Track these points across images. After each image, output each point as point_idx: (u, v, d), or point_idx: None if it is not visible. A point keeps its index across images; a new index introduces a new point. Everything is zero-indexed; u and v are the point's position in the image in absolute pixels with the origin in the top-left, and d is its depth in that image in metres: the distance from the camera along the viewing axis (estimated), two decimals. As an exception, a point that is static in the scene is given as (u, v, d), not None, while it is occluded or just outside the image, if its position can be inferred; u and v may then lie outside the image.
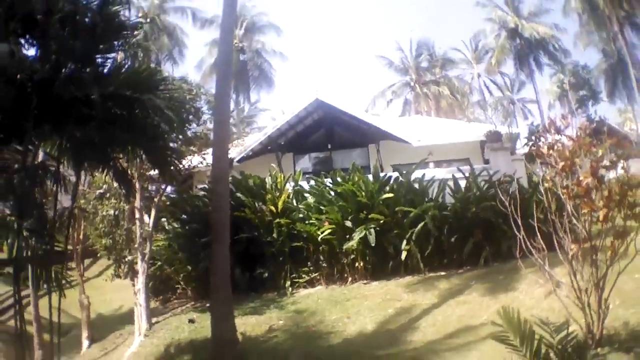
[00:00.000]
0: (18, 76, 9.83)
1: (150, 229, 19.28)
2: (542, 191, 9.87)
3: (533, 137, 25.99)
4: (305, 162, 31.57)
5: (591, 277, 8.85)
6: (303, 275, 19.34)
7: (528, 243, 9.31)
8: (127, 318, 22.15)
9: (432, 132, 30.07)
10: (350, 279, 18.97)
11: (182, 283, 21.20)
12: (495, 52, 53.17)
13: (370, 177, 19.85)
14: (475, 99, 68.74)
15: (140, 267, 18.93)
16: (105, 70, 11.37)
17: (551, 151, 9.23)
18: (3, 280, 25.13)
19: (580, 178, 8.60)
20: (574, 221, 8.98)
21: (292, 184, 21.07)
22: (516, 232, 9.54)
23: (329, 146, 30.47)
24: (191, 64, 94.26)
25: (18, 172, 11.27)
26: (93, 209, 20.87)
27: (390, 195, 18.62)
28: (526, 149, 30.35)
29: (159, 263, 21.17)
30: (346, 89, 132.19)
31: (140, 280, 18.75)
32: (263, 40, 57.03)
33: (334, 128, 30.10)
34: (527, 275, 15.40)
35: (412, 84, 64.56)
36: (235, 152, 25.38)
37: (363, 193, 18.80)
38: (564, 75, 61.63)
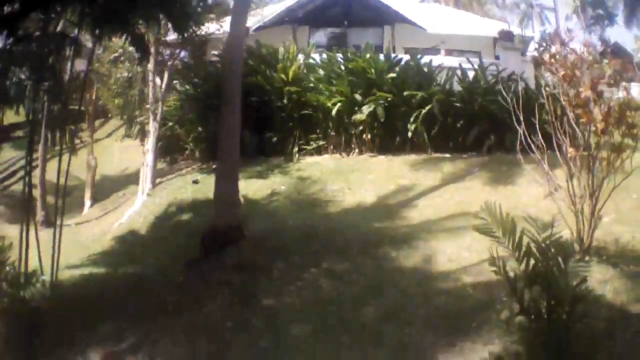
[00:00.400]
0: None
1: (162, 90, 19.53)
2: (544, 95, 10.08)
3: (543, 44, 25.95)
4: (320, 37, 31.64)
5: (587, 185, 9.18)
6: (311, 143, 19.78)
7: (529, 139, 9.69)
8: (132, 179, 22.77)
9: (447, 22, 30.06)
10: (357, 150, 19.47)
11: (191, 144, 21.60)
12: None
13: (382, 56, 20.05)
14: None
15: (152, 126, 19.27)
16: None
17: (553, 60, 9.39)
18: (12, 145, 25.81)
19: (580, 89, 8.79)
20: (574, 126, 9.29)
21: (304, 57, 21.23)
22: (517, 127, 10.02)
23: (345, 22, 30.47)
24: None
25: (39, 40, 11.35)
26: (107, 72, 21.03)
27: (397, 75, 18.98)
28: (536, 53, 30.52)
29: (170, 123, 21.58)
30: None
31: (150, 141, 19.12)
32: None
33: (352, 5, 30.02)
34: (528, 171, 15.95)
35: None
36: (252, 21, 25.40)
37: (373, 70, 19.09)
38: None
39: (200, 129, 20.65)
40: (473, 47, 29.18)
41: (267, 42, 22.02)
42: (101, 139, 28.98)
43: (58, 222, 11.14)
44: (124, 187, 23.39)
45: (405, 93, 18.71)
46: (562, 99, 9.36)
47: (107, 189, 24.05)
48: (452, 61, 21.88)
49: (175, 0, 11.76)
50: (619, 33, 59.27)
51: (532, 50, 36.07)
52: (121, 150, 26.68)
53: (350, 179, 17.08)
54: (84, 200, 23.16)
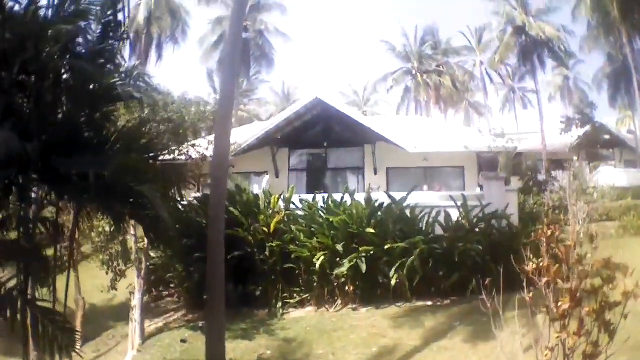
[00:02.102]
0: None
1: (145, 246, 19.54)
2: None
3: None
4: (301, 157, 31.97)
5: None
6: (294, 295, 19.79)
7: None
8: (120, 313, 22.54)
9: (429, 137, 30.36)
10: (340, 301, 19.47)
11: (177, 287, 21.93)
12: (500, 49, 53.06)
13: (363, 201, 20.13)
14: (476, 85, 68.88)
15: (137, 283, 19.34)
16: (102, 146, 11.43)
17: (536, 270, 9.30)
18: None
19: (559, 303, 8.70)
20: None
21: (284, 202, 21.23)
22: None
23: (325, 144, 30.84)
24: (193, 39, 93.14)
25: (19, 226, 11.42)
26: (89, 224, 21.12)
27: (374, 231, 19.02)
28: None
29: (157, 263, 21.76)
30: (348, 72, 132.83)
31: (137, 297, 19.18)
32: (266, 20, 56.45)
33: (331, 127, 30.49)
34: (510, 321, 15.90)
35: (413, 72, 64.72)
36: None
37: (354, 224, 19.24)
38: (567, 70, 62.01)
39: (184, 279, 20.63)
40: (456, 162, 29.56)
41: (247, 164, 22.13)
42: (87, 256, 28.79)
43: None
44: (113, 323, 23.14)
45: (386, 247, 18.71)
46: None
47: (95, 323, 23.79)
48: (435, 198, 21.96)
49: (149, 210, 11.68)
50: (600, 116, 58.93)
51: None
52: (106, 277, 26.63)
53: (333, 340, 17.04)
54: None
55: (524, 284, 8.97)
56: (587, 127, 47.90)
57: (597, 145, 43.02)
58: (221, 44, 55.32)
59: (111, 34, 12.31)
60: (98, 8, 11.96)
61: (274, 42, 57.98)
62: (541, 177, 34.32)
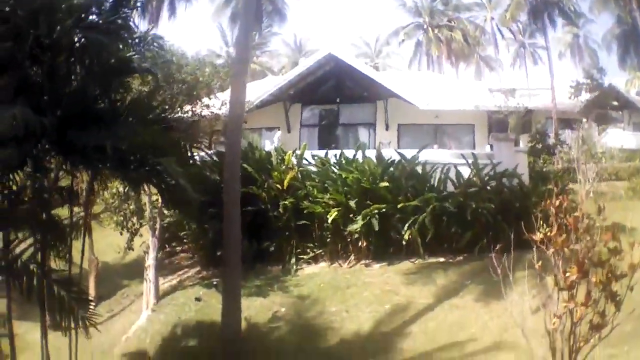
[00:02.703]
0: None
1: (159, 205, 19.61)
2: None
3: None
4: (313, 114, 31.95)
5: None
6: (308, 251, 20.04)
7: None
8: (133, 271, 22.67)
9: (440, 94, 30.22)
10: (353, 257, 19.71)
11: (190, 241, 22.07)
12: (510, 7, 52.60)
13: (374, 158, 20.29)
14: (487, 40, 68.36)
15: (151, 242, 19.41)
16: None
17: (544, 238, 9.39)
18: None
19: (567, 273, 8.80)
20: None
21: (296, 158, 21.23)
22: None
23: (338, 99, 30.74)
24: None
25: (34, 196, 11.48)
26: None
27: (390, 184, 19.18)
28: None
29: (170, 220, 21.68)
30: (360, 25, 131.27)
31: (151, 257, 19.23)
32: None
33: (343, 82, 30.27)
34: (519, 281, 16.17)
35: (425, 26, 64.27)
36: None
37: (366, 180, 19.35)
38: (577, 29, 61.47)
39: (199, 236, 20.82)
40: (466, 120, 29.55)
41: (259, 121, 22.14)
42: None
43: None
44: (126, 281, 23.22)
45: (399, 205, 18.91)
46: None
47: (108, 281, 23.90)
48: (446, 156, 22.04)
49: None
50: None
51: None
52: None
53: (347, 297, 17.41)
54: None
55: (534, 250, 9.05)
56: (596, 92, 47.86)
57: (607, 107, 42.84)
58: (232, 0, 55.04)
59: (124, 2, 12.24)
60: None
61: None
62: (550, 140, 34.28)
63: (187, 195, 11.75)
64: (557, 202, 9.42)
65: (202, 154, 22.30)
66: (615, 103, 50.44)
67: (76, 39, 11.53)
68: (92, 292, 22.00)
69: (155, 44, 13.10)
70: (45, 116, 10.15)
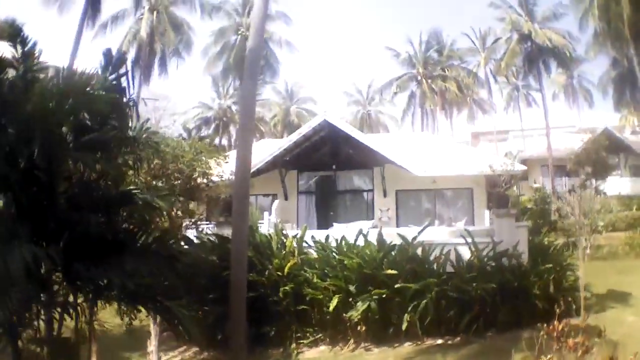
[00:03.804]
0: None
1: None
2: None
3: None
4: (310, 180, 32.06)
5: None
6: (308, 335, 19.97)
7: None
8: (135, 338, 22.53)
9: (437, 159, 30.41)
10: (352, 340, 19.68)
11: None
12: (506, 56, 53.36)
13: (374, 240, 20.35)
14: (480, 83, 68.89)
15: (153, 330, 19.36)
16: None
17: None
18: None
19: None
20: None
21: (296, 241, 21.16)
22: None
23: (334, 166, 30.88)
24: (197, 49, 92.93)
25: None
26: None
27: (394, 272, 19.18)
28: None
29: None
30: (352, 75, 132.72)
31: (153, 344, 19.18)
32: (271, 30, 56.47)
33: (339, 148, 30.46)
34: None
35: (418, 77, 64.81)
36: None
37: (367, 267, 19.50)
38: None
39: (199, 321, 20.72)
40: (464, 184, 29.71)
41: (255, 188, 22.18)
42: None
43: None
44: (127, 354, 22.96)
45: (399, 288, 19.10)
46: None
47: (109, 353, 23.76)
48: (445, 234, 22.18)
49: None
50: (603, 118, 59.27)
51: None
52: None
53: (346, 390, 17.26)
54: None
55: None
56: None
57: (602, 154, 43.00)
58: (224, 54, 55.73)
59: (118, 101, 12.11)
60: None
61: (278, 53, 58.40)
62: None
63: (191, 329, 11.69)
64: (560, 327, 9.69)
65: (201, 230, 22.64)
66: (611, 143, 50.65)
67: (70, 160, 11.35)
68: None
69: (149, 142, 12.95)
70: (48, 245, 10.09)
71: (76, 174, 11.30)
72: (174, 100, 50.45)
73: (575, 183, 43.38)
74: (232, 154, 28.38)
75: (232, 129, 70.05)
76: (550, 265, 20.04)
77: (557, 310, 10.61)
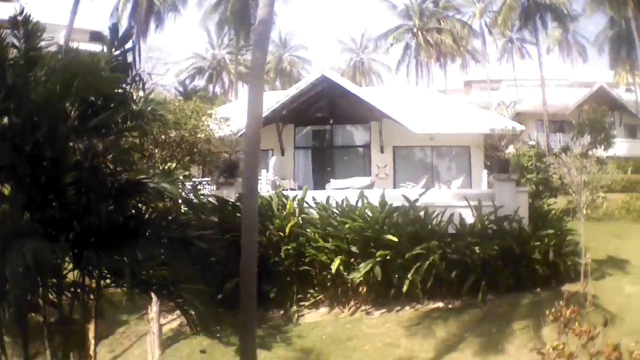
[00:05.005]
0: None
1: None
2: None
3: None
4: (307, 136, 31.77)
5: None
6: (309, 297, 20.00)
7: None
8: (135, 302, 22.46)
9: (435, 116, 30.03)
10: (353, 303, 19.77)
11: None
12: (502, 11, 52.78)
13: (377, 203, 20.27)
14: (474, 34, 68.35)
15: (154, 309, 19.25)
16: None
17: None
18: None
19: None
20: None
21: (297, 202, 20.98)
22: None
23: (331, 121, 30.57)
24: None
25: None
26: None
27: (395, 239, 19.04)
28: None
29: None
30: (348, 27, 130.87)
31: (154, 310, 19.08)
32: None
33: (336, 103, 30.00)
34: (518, 334, 16.42)
35: (414, 29, 64.08)
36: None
37: (370, 229, 19.43)
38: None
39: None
40: (462, 142, 29.47)
41: None
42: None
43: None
44: (125, 317, 22.69)
45: (403, 251, 19.06)
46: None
47: (107, 317, 23.63)
48: (447, 196, 22.07)
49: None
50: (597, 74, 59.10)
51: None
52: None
53: (349, 352, 17.39)
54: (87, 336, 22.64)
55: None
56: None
57: (601, 115, 42.86)
58: (220, 6, 54.93)
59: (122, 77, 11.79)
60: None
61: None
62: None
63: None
64: (567, 313, 9.69)
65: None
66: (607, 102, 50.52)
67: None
68: (91, 331, 21.86)
69: (155, 116, 12.65)
70: (58, 234, 9.97)
71: (84, 161, 10.94)
72: (168, 51, 50.57)
73: (569, 141, 43.50)
74: (231, 110, 28.16)
75: (225, 77, 69.52)
76: (552, 230, 20.01)
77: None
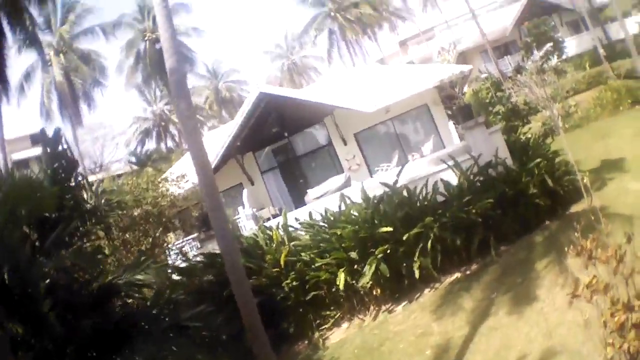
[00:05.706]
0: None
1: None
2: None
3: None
4: (268, 157, 31.01)
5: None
6: (327, 319, 19.19)
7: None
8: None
9: (382, 88, 29.28)
10: (372, 307, 18.96)
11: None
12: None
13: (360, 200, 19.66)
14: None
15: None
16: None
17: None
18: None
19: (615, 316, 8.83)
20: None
21: (281, 226, 20.42)
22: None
23: (286, 133, 29.83)
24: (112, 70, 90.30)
25: None
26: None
27: (390, 229, 18.28)
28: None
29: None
30: (269, 36, 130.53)
31: None
32: (176, 23, 54.89)
33: (285, 114, 29.15)
34: (543, 275, 15.65)
35: (332, 14, 63.55)
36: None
37: (362, 230, 18.70)
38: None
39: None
40: (418, 102, 28.76)
41: (220, 183, 21.30)
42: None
43: None
44: None
45: (400, 238, 18.30)
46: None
47: None
48: (424, 166, 21.42)
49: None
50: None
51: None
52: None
53: (385, 357, 16.46)
54: None
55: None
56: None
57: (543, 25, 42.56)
58: (139, 64, 54.57)
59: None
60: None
61: (189, 42, 57.63)
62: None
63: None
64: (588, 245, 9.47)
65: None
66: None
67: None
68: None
69: (110, 205, 12.24)
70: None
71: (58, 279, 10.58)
72: (110, 124, 50.29)
73: (519, 60, 43.10)
74: (183, 166, 27.44)
75: (173, 128, 68.94)
76: (538, 159, 19.36)
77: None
